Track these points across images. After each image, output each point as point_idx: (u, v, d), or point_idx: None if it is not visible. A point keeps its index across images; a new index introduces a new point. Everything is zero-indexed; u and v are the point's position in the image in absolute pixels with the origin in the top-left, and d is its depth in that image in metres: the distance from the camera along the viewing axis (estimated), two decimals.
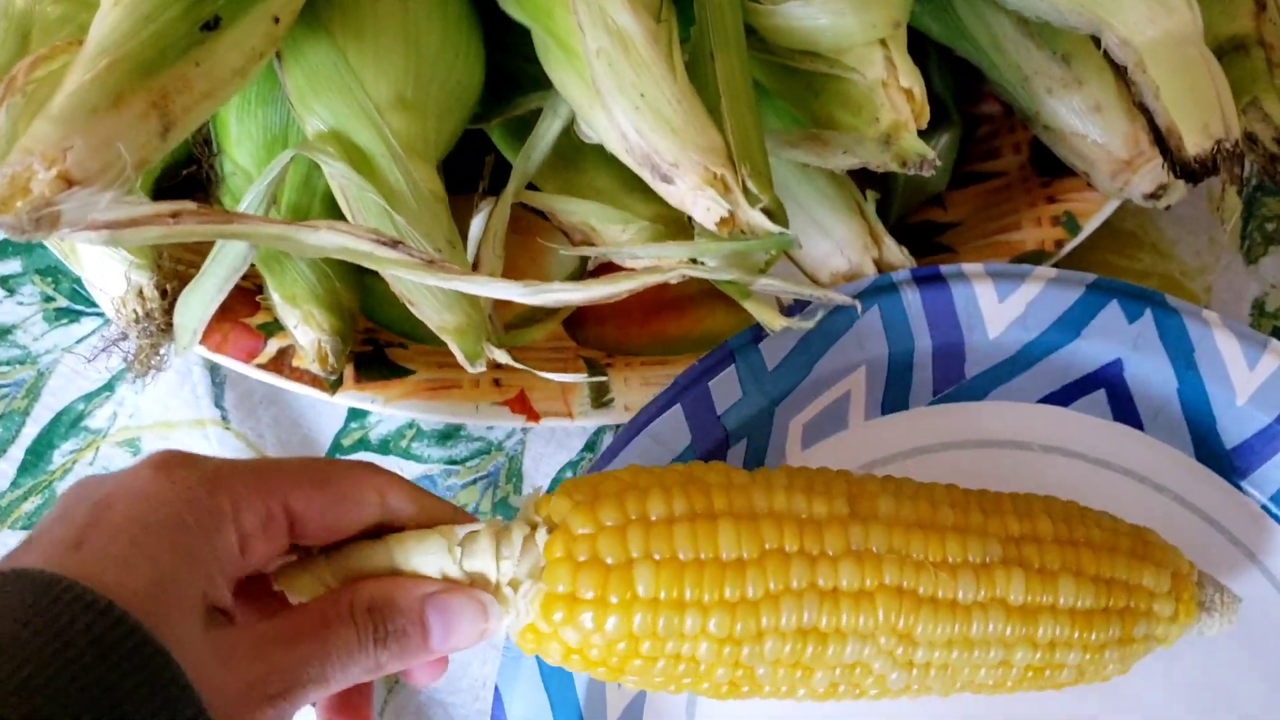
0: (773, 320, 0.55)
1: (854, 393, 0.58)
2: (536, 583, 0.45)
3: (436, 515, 0.46)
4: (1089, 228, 0.64)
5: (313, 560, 0.45)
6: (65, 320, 0.66)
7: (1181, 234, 0.71)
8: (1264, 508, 0.58)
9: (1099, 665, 0.50)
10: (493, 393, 0.60)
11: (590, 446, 0.66)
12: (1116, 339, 0.58)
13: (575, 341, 0.67)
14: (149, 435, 0.64)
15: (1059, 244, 0.64)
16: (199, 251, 0.57)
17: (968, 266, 0.59)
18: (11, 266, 0.68)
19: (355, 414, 0.64)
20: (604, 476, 0.48)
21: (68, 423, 0.64)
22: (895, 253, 0.61)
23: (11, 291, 0.67)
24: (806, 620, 0.46)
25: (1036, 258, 0.63)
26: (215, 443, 0.63)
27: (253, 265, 0.59)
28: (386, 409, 0.60)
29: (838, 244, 0.61)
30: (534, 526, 0.46)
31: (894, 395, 0.59)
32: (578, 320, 0.67)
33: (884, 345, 0.58)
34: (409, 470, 0.63)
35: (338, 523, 0.44)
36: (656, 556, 0.45)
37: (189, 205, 0.46)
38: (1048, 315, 0.58)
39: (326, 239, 0.48)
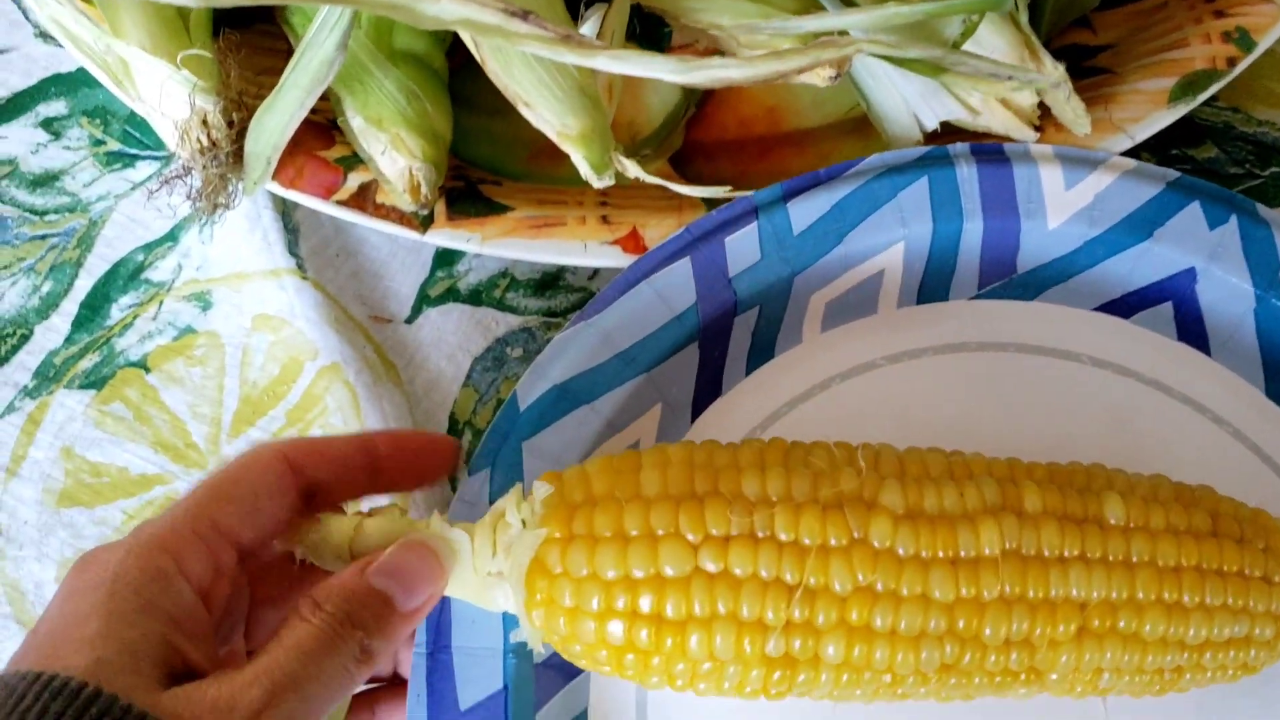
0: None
1: (888, 273, 0.53)
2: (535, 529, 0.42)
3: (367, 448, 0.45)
4: (1265, 43, 0.56)
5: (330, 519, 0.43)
6: (118, 165, 0.61)
7: None
8: None
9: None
10: (602, 230, 0.55)
11: None
12: (1193, 246, 0.51)
13: (686, 180, 0.62)
14: (220, 288, 0.59)
15: (1231, 62, 0.56)
16: (266, 85, 0.54)
17: (1035, 147, 0.53)
18: (56, 108, 0.63)
19: (441, 262, 0.60)
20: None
21: (126, 275, 0.59)
22: (1051, 68, 0.54)
23: (57, 135, 0.62)
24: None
25: (1207, 78, 0.56)
26: (292, 294, 0.57)
27: (325, 98, 0.55)
28: (484, 248, 0.54)
29: (993, 56, 0.54)
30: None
31: (933, 283, 0.53)
32: (687, 156, 0.62)
33: (929, 222, 0.52)
34: (505, 322, 0.58)
35: (263, 525, 0.42)
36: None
37: None
38: (1118, 210, 0.51)
39: (447, 9, 0.43)
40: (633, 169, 0.52)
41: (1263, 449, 0.51)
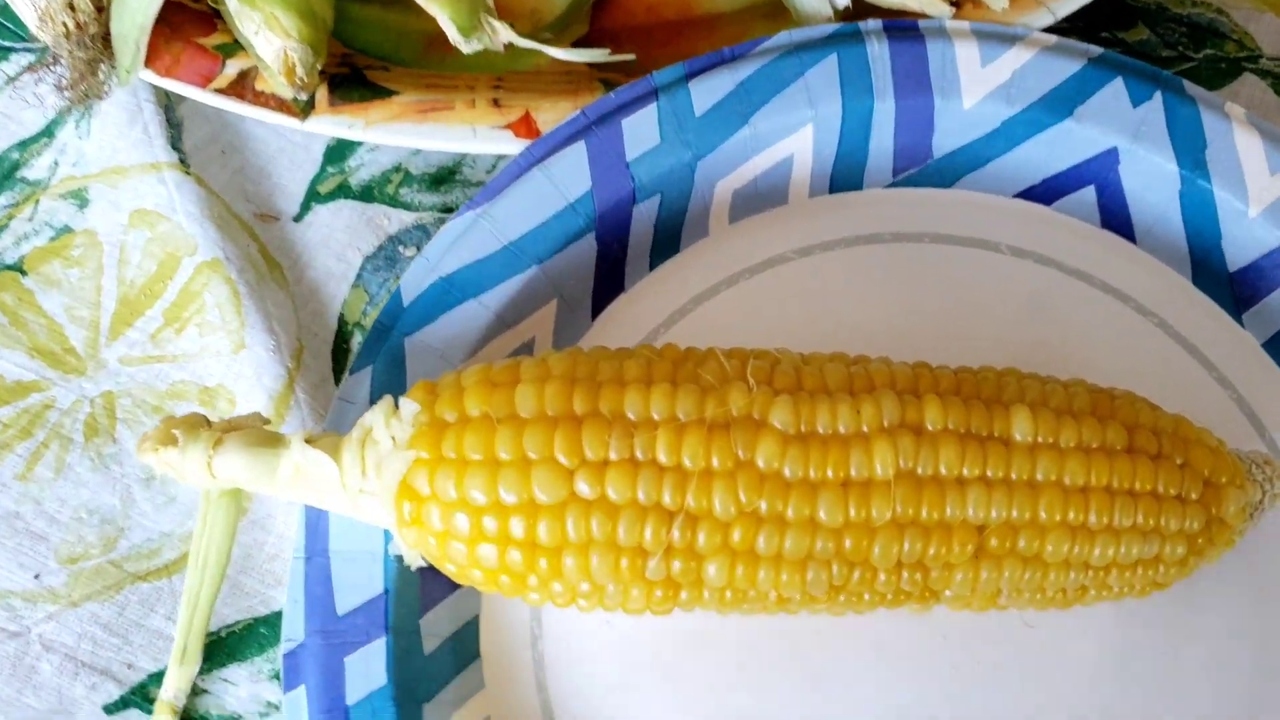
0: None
1: (798, 159, 0.50)
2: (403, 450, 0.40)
3: None
4: None
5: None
6: None
7: None
8: (1264, 347, 0.48)
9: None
10: (493, 114, 0.52)
11: None
12: (1116, 125, 0.48)
13: (589, 66, 0.59)
14: (97, 184, 0.55)
15: None
16: None
17: (950, 23, 0.49)
18: None
19: (332, 157, 0.57)
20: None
21: (1, 174, 0.56)
22: None
23: None
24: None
25: None
26: (173, 188, 0.54)
27: None
28: (368, 134, 0.52)
29: None
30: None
31: (845, 170, 0.51)
32: (593, 43, 0.58)
33: (838, 101, 0.49)
34: (398, 219, 0.56)
35: None
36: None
37: None
38: (1037, 87, 0.48)
39: None
40: (504, 32, 0.49)
41: (1189, 340, 0.48)
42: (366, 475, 0.40)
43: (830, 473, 0.38)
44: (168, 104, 0.56)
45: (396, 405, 0.41)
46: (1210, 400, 0.47)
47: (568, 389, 0.39)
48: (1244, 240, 0.48)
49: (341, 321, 0.54)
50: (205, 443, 0.41)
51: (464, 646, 0.46)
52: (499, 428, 0.39)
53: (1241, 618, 0.45)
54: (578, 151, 0.48)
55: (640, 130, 0.48)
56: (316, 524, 0.45)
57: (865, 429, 0.39)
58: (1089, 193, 0.50)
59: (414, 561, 0.41)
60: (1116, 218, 0.50)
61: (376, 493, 0.40)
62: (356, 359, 0.46)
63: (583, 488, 0.38)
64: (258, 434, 0.42)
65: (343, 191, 0.56)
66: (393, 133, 0.52)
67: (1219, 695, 0.44)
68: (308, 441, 0.41)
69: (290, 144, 0.57)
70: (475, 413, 0.39)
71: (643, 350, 0.42)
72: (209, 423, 0.42)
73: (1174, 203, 0.48)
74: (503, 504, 0.38)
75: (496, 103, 0.52)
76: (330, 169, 0.57)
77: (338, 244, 0.55)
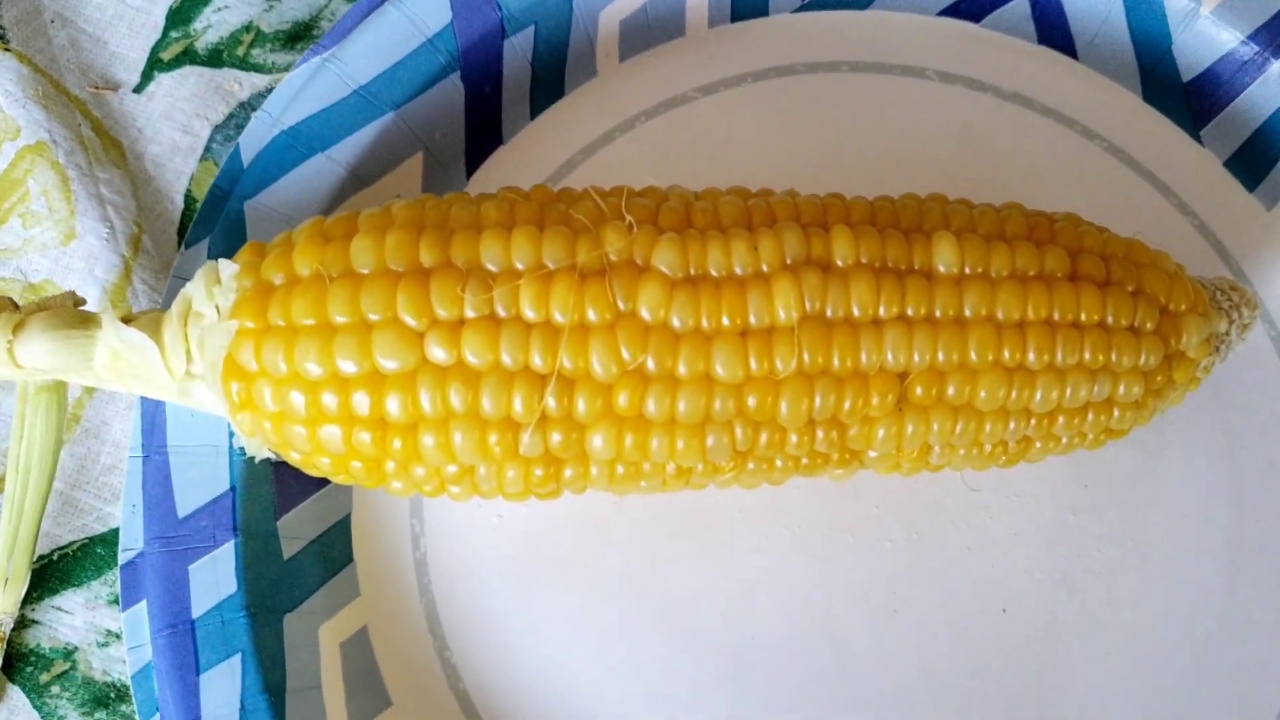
0: None
1: None
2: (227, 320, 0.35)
3: None
4: None
5: None
6: None
7: None
8: (1227, 165, 0.43)
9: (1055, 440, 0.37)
10: None
11: None
12: None
13: None
14: None
15: None
16: None
17: None
18: None
19: (176, 19, 0.51)
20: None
21: None
22: None
23: None
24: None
25: None
26: None
27: None
28: None
29: None
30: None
31: None
32: None
33: None
34: (250, 84, 0.50)
35: None
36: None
37: None
38: None
39: None
40: None
41: (1142, 163, 0.44)
42: (191, 355, 0.35)
43: (725, 321, 0.33)
44: None
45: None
46: (1170, 229, 0.44)
47: (413, 238, 0.34)
48: (1197, 44, 0.44)
49: (189, 199, 0.48)
50: (4, 327, 0.35)
51: (333, 550, 0.41)
52: (332, 287, 0.33)
53: (1214, 465, 0.41)
54: None
55: None
56: (154, 417, 0.40)
57: (765, 268, 0.34)
58: (1022, 4, 0.45)
59: (256, 452, 0.36)
60: (1054, 31, 0.45)
61: (204, 374, 0.35)
62: (191, 230, 0.41)
63: (436, 352, 0.33)
64: (66, 315, 0.36)
65: (188, 57, 0.51)
66: None
67: (1192, 555, 0.41)
68: (124, 320, 0.36)
69: (129, 8, 0.51)
70: (305, 272, 0.34)
71: (504, 192, 0.36)
72: (15, 305, 0.37)
73: (1117, 6, 0.44)
74: (342, 376, 0.33)
75: None
76: (174, 33, 0.51)
77: (183, 114, 0.50)
